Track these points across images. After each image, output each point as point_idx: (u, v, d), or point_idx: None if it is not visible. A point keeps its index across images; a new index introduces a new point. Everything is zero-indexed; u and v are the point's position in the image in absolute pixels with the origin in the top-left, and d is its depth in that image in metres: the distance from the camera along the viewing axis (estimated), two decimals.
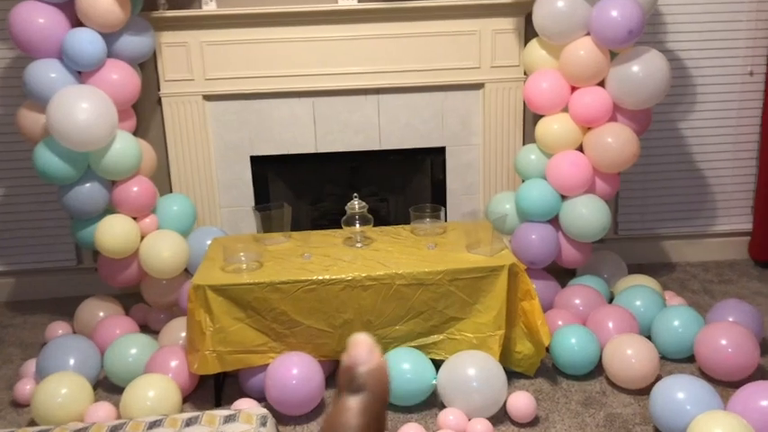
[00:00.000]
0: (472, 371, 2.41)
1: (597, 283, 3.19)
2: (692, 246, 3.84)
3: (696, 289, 3.50)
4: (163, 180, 3.44)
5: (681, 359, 2.78)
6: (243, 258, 2.61)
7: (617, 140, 2.93)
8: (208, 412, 1.79)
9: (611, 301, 3.19)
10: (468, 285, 2.53)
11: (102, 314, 3.09)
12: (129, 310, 3.27)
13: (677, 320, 2.77)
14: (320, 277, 2.48)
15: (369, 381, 0.53)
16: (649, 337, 2.80)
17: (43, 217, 3.51)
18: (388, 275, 2.49)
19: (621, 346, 2.60)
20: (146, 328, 3.22)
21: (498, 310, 2.53)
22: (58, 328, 3.10)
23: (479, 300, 2.55)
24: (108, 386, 2.73)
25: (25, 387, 2.65)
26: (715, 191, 3.76)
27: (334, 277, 2.48)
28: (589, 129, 3.04)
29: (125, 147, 2.82)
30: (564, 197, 3.08)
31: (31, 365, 2.76)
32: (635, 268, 3.51)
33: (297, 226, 3.83)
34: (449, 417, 2.35)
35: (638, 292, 2.99)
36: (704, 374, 2.67)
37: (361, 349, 0.51)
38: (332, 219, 3.82)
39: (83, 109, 2.62)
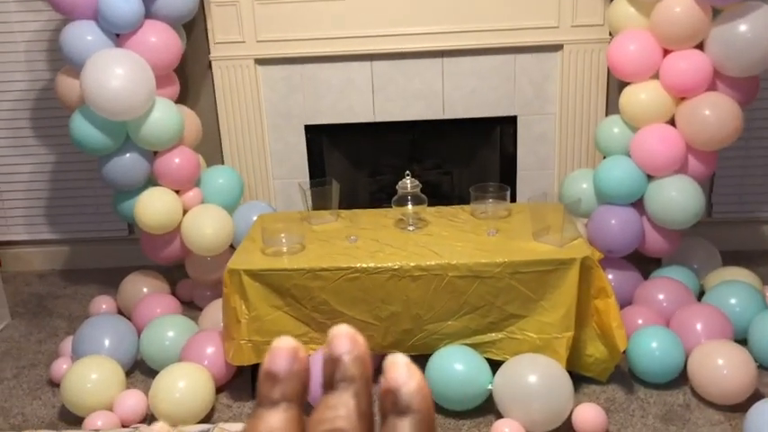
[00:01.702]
0: (533, 378, 2.12)
1: (685, 276, 2.80)
2: None
3: None
4: (214, 150, 3.26)
5: None
6: (283, 241, 2.39)
7: (716, 113, 2.51)
8: (220, 425, 1.59)
9: (701, 296, 2.80)
10: (532, 279, 2.22)
11: (145, 290, 2.97)
12: (175, 285, 3.14)
13: None
14: (364, 265, 2.23)
15: (414, 401, 0.44)
16: (745, 343, 2.42)
17: (95, 185, 3.40)
18: (440, 266, 2.22)
19: (711, 353, 2.24)
20: (191, 305, 3.09)
21: (567, 308, 2.22)
22: (102, 303, 3.00)
23: (545, 296, 2.24)
24: (145, 369, 2.60)
25: (62, 366, 2.54)
26: None
27: (379, 266, 2.23)
28: (683, 99, 2.63)
29: (165, 115, 2.64)
30: (650, 177, 2.69)
31: (69, 343, 2.65)
32: (730, 257, 3.08)
33: (354, 199, 3.60)
34: (504, 429, 2.07)
35: (734, 288, 2.59)
36: None
37: (401, 369, 0.43)
38: (390, 193, 3.55)
39: (117, 75, 2.44)
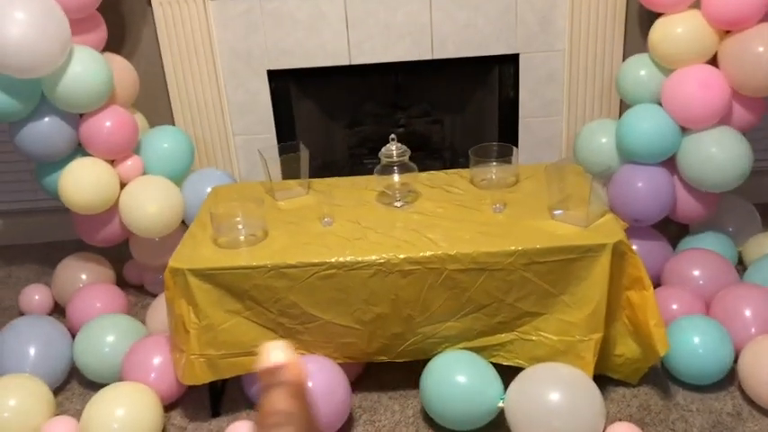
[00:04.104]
0: (555, 395, 1.70)
1: (721, 244, 2.38)
2: None
3: None
4: (162, 106, 2.74)
5: None
6: (240, 227, 1.92)
7: None
8: None
9: (739, 264, 2.40)
10: (552, 271, 1.78)
11: (84, 277, 2.50)
12: (123, 264, 2.68)
13: None
14: (341, 259, 1.77)
15: (285, 375, 0.63)
16: None
17: None
18: (437, 257, 1.76)
19: None
20: (142, 291, 2.63)
21: (595, 305, 1.78)
22: (35, 294, 2.52)
23: (568, 290, 1.80)
24: (83, 380, 2.16)
25: None
26: None
27: (360, 260, 1.77)
28: (728, 33, 2.14)
29: (87, 68, 2.10)
30: (685, 130, 2.23)
31: None
32: (761, 210, 2.64)
33: (330, 156, 3.12)
34: None
35: None
36: None
37: (272, 360, 0.63)
38: (372, 147, 3.08)
39: (16, 20, 1.90)
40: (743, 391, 1.92)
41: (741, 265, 2.45)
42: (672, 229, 2.52)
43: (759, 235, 2.45)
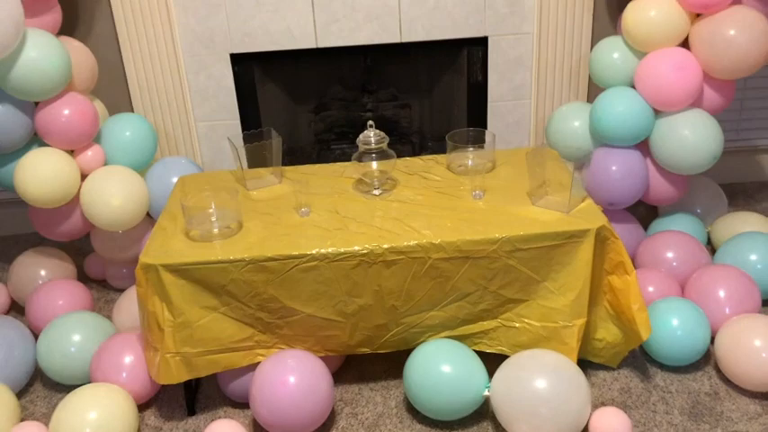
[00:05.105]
0: (542, 382, 1.69)
1: (691, 225, 2.41)
2: None
3: None
4: (120, 93, 2.62)
5: None
6: (214, 219, 1.84)
7: (744, 33, 2.04)
8: None
9: (708, 245, 2.44)
10: (535, 257, 1.76)
11: (43, 273, 2.38)
12: (84, 260, 2.57)
13: None
14: (323, 251, 1.72)
15: None
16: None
17: None
18: (420, 246, 1.73)
19: (745, 333, 1.87)
20: (105, 285, 2.53)
21: (579, 291, 1.78)
22: None
23: (550, 276, 1.79)
24: (47, 381, 2.06)
25: None
26: None
27: (342, 251, 1.72)
28: (698, 16, 2.15)
29: (43, 53, 1.98)
30: (658, 113, 2.24)
31: None
32: (727, 191, 2.69)
33: (296, 142, 3.05)
34: None
35: (753, 241, 2.21)
36: None
37: None
38: (340, 133, 3.02)
39: None
40: (719, 371, 1.95)
41: (710, 246, 2.50)
42: (641, 211, 2.55)
43: (726, 215, 2.49)
